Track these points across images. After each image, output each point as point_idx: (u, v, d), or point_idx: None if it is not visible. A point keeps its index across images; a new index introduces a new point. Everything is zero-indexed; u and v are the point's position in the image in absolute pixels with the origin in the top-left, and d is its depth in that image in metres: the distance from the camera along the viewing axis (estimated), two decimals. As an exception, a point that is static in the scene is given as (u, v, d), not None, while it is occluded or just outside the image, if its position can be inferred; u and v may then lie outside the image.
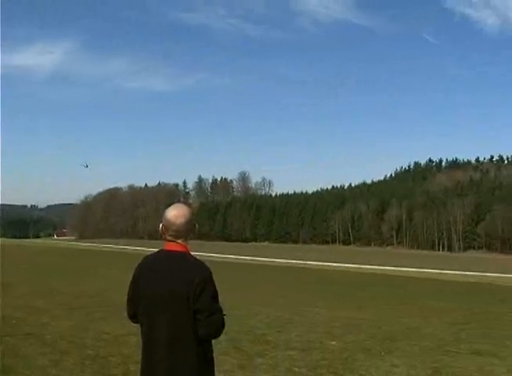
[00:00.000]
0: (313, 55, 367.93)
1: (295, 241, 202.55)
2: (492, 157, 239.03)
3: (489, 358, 10.57)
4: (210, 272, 3.99)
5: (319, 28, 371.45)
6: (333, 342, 11.68)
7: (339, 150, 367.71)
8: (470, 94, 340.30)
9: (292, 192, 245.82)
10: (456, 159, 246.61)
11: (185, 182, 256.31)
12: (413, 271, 67.86)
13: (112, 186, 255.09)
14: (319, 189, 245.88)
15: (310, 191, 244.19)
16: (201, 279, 3.88)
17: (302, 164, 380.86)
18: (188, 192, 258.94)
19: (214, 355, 4.12)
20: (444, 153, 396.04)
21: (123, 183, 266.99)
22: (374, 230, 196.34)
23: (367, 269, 70.78)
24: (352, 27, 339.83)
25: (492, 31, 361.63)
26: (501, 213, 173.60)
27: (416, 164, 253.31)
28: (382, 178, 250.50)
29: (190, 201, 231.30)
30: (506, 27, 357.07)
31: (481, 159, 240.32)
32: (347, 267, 73.21)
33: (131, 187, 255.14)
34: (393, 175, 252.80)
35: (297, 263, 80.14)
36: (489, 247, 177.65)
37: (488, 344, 12.22)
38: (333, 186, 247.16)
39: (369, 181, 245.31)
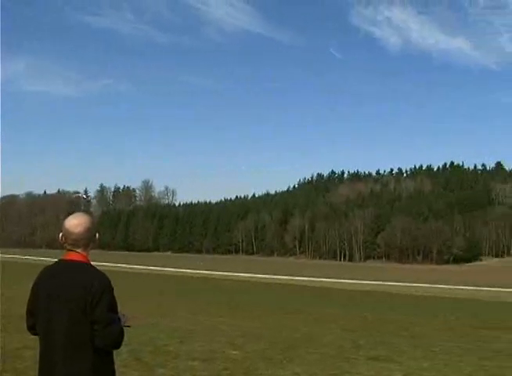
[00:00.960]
0: (218, 64, 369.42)
1: (198, 251, 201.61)
2: (391, 170, 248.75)
3: (386, 363, 10.96)
4: (109, 282, 3.93)
5: (225, 38, 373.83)
6: (235, 352, 11.74)
7: (243, 160, 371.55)
8: (372, 108, 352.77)
9: (196, 201, 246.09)
10: (358, 171, 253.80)
11: (86, 190, 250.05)
12: (314, 280, 69.19)
13: (8, 194, 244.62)
14: (223, 199, 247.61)
15: (214, 201, 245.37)
16: (99, 288, 3.81)
17: (206, 173, 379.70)
18: (89, 200, 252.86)
19: (115, 367, 4.06)
20: (346, 165, 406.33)
21: (20, 190, 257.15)
22: (277, 240, 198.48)
23: (268, 278, 71.50)
24: (259, 38, 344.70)
25: (394, 49, 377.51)
26: (400, 224, 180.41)
27: (319, 175, 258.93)
28: (285, 188, 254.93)
29: (91, 210, 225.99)
30: (406, 46, 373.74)
31: (382, 172, 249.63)
32: (250, 277, 73.69)
33: (28, 195, 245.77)
34: (296, 186, 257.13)
35: (200, 273, 79.87)
36: (388, 257, 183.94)
37: (385, 350, 12.67)
38: (236, 196, 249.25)
39: (272, 191, 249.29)
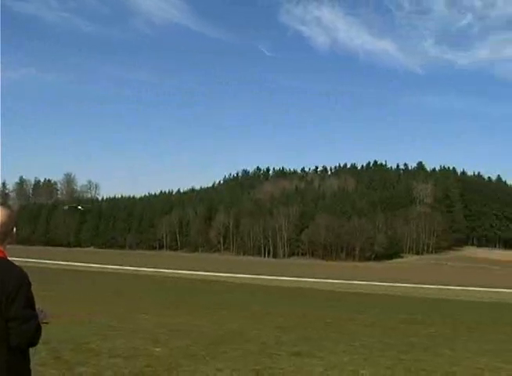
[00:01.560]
0: (146, 56, 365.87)
1: (122, 247, 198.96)
2: (316, 168, 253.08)
3: (308, 358, 11.16)
4: (26, 277, 3.79)
5: (153, 30, 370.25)
6: (158, 348, 11.68)
7: (168, 156, 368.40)
8: (299, 106, 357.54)
9: (119, 196, 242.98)
10: (283, 168, 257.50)
11: (4, 183, 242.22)
12: (238, 277, 69.42)
13: None
14: (147, 194, 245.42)
15: (138, 196, 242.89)
16: (15, 285, 3.68)
17: (131, 168, 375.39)
18: (7, 193, 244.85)
19: (31, 366, 3.91)
20: (271, 162, 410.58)
21: None
22: (202, 236, 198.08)
23: (194, 275, 71.29)
24: (189, 32, 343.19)
25: (322, 49, 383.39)
26: (324, 222, 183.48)
27: (245, 172, 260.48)
28: (211, 184, 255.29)
29: (10, 203, 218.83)
30: (334, 46, 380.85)
31: (307, 169, 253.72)
32: (176, 273, 73.24)
33: None
34: (221, 182, 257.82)
35: (126, 269, 78.81)
36: (312, 254, 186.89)
37: (307, 345, 12.88)
38: (161, 192, 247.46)
39: (197, 187, 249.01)
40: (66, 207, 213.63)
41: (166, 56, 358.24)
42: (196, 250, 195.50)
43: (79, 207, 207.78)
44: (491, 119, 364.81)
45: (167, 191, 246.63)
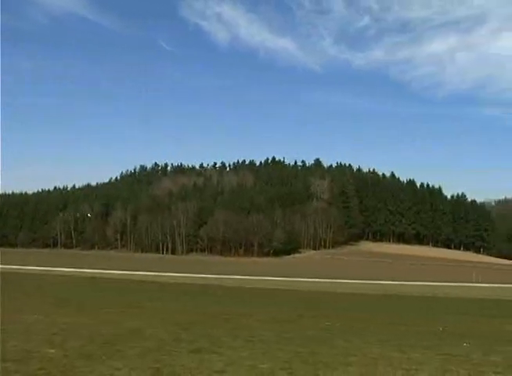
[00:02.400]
0: (43, 45, 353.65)
1: (13, 245, 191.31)
2: (215, 164, 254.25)
3: (208, 354, 11.18)
4: None
5: (50, 20, 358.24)
6: (53, 350, 11.32)
7: (62, 150, 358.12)
8: (197, 101, 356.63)
9: (10, 192, 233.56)
10: (181, 164, 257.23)
11: None
12: (134, 274, 68.54)
13: None
14: (41, 190, 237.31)
15: (30, 192, 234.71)
16: None
17: (23, 163, 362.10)
18: None
19: None
20: (169, 158, 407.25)
21: None
22: (98, 233, 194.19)
23: (92, 273, 69.75)
24: (87, 23, 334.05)
25: (222, 44, 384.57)
26: (222, 217, 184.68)
27: (142, 167, 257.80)
28: (107, 180, 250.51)
29: None
30: (235, 42, 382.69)
31: (205, 165, 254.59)
32: (69, 272, 71.31)
33: None
34: (118, 178, 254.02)
35: (24, 269, 75.75)
36: (211, 250, 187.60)
37: (207, 342, 12.91)
38: (55, 187, 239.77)
39: (93, 183, 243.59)
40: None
41: (61, 45, 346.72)
42: (92, 247, 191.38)
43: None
44: (386, 117, 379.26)
45: (61, 187, 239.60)
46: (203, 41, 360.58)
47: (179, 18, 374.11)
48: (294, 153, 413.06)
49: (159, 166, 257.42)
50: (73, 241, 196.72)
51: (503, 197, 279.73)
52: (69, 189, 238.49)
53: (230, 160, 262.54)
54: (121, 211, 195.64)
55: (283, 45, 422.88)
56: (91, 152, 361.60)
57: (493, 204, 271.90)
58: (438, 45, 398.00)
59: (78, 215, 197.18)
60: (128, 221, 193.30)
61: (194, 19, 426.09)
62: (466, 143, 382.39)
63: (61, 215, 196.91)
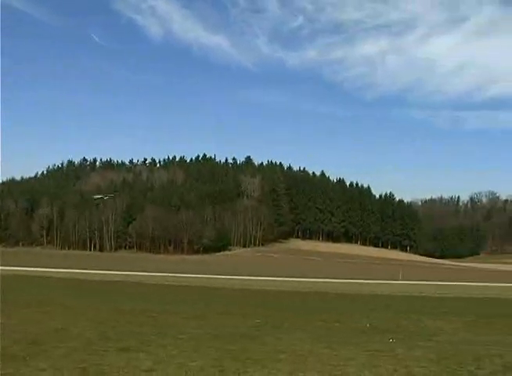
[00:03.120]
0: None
1: None
2: (145, 160, 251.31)
3: (136, 353, 11.04)
4: None
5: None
6: (-28, 351, 10.93)
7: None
8: (126, 97, 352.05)
9: None
10: (111, 160, 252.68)
11: None
12: (61, 271, 67.08)
13: None
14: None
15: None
16: None
17: None
18: None
19: None
20: (98, 153, 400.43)
21: None
22: (23, 230, 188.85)
23: (13, 270, 67.73)
24: (14, 12, 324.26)
25: (156, 39, 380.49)
26: (152, 214, 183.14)
27: (70, 162, 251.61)
28: (33, 175, 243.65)
29: None
30: (169, 37, 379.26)
31: (135, 161, 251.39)
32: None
33: None
34: (45, 172, 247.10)
35: None
36: (140, 247, 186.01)
37: (135, 340, 12.74)
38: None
39: (18, 178, 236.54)
40: None
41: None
42: (16, 244, 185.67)
43: None
44: (318, 117, 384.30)
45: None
46: (136, 36, 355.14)
47: (111, 11, 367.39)
48: (225, 150, 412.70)
49: (87, 161, 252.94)
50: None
51: (430, 197, 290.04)
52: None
53: (160, 156, 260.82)
54: (47, 206, 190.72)
55: (217, 41, 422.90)
56: (15, 145, 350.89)
57: (420, 203, 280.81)
58: (369, 47, 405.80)
59: None
60: (55, 217, 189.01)
61: (127, 12, 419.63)
62: (395, 144, 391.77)
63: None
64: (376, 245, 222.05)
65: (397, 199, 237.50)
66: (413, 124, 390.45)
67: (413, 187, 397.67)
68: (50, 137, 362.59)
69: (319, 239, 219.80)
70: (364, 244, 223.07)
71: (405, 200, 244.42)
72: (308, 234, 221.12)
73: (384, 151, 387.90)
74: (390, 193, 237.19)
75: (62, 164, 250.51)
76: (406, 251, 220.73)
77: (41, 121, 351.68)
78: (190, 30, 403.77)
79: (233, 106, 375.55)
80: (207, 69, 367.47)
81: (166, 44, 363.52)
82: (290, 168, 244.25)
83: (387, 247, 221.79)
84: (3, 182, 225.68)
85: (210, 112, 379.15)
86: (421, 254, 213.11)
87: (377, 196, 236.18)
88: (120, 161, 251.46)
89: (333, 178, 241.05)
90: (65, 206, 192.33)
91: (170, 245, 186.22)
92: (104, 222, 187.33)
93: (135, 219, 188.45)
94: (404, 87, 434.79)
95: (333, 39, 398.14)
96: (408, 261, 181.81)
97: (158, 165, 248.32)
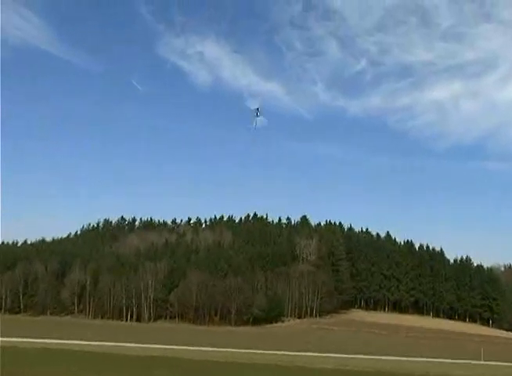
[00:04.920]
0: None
1: None
2: (189, 220, 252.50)
3: None
4: None
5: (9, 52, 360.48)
6: None
7: (11, 202, 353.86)
8: (168, 151, 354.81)
9: None
10: (151, 219, 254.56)
11: None
12: (91, 344, 66.42)
13: None
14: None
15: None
16: None
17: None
18: None
19: None
20: (138, 212, 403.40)
21: None
22: (52, 296, 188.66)
23: (37, 343, 67.46)
24: (50, 56, 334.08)
25: (203, 86, 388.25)
26: (196, 280, 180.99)
27: (107, 221, 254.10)
28: (65, 235, 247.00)
29: None
30: (217, 84, 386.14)
31: (178, 221, 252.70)
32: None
33: None
34: (78, 232, 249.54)
35: None
36: (182, 317, 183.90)
37: None
38: (2, 242, 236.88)
39: (49, 238, 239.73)
40: None
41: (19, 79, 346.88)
42: (43, 312, 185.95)
43: None
44: (382, 170, 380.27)
45: (10, 242, 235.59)
46: (181, 82, 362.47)
47: (156, 57, 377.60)
48: (278, 209, 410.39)
49: (126, 221, 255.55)
50: (21, 305, 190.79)
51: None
52: (19, 244, 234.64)
53: (206, 215, 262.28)
54: (80, 270, 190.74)
55: (271, 88, 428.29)
56: (47, 202, 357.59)
57: (502, 269, 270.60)
58: (441, 92, 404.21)
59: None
60: (88, 282, 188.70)
61: (173, 58, 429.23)
62: (471, 201, 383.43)
63: (8, 274, 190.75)
64: (450, 317, 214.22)
65: (475, 264, 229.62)
66: (492, 178, 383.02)
67: (493, 250, 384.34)
68: (86, 194, 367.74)
69: (384, 309, 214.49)
70: (437, 315, 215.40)
71: (485, 266, 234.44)
72: (372, 304, 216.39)
73: (459, 209, 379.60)
74: (466, 256, 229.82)
75: (98, 224, 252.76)
76: (488, 325, 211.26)
77: (76, 177, 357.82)
78: (241, 76, 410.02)
79: (286, 159, 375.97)
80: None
81: (214, 92, 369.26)
82: (350, 228, 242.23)
83: (464, 320, 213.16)
84: (32, 244, 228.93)
85: (260, 166, 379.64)
86: (506, 330, 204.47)
87: (451, 260, 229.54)
88: (161, 221, 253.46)
89: (400, 240, 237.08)
90: (100, 270, 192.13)
91: (216, 315, 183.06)
92: (143, 289, 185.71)
93: (177, 286, 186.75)
94: (481, 135, 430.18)
95: (399, 84, 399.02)
96: (490, 337, 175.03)
97: (204, 225, 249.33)
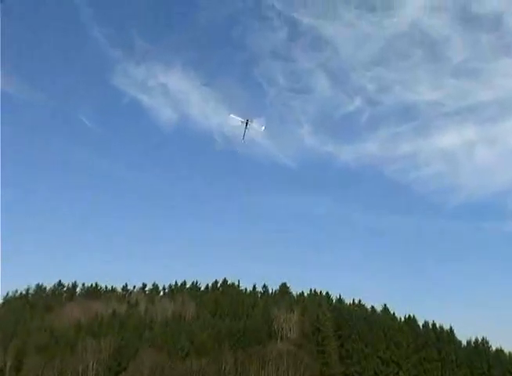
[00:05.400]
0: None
1: None
2: (144, 286, 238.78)
3: None
4: None
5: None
6: None
7: None
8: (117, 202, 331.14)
9: None
10: (97, 285, 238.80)
11: None
12: None
13: None
14: None
15: None
16: None
17: None
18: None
19: None
20: (79, 276, 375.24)
21: None
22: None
23: None
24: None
25: (167, 124, 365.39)
26: (149, 360, 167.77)
27: (39, 287, 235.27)
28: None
29: None
30: (183, 122, 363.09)
31: (130, 287, 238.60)
32: None
33: None
34: (0, 301, 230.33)
35: None
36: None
37: None
38: None
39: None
40: None
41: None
42: None
43: None
44: (377, 232, 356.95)
45: None
46: (140, 119, 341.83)
47: (111, 88, 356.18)
48: (253, 275, 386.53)
49: (64, 286, 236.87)
50: None
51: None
52: None
53: (165, 282, 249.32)
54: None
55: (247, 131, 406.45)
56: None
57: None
58: (450, 137, 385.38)
59: None
60: (8, 366, 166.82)
61: (131, 90, 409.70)
62: (487, 270, 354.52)
63: None
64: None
65: (493, 347, 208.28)
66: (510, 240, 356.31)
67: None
68: (13, 253, 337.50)
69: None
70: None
71: (506, 350, 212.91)
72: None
73: (472, 279, 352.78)
74: (482, 338, 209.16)
75: (27, 291, 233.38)
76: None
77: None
78: (212, 114, 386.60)
79: (264, 216, 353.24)
80: (231, 166, 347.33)
81: (179, 131, 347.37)
82: (340, 299, 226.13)
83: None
84: None
85: (233, 223, 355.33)
86: None
87: (464, 342, 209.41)
88: (109, 287, 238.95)
89: (400, 315, 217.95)
90: (25, 349, 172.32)
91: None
92: (81, 373, 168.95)
93: (125, 369, 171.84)
94: (498, 190, 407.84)
95: (400, 128, 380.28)
96: None
97: (161, 293, 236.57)
